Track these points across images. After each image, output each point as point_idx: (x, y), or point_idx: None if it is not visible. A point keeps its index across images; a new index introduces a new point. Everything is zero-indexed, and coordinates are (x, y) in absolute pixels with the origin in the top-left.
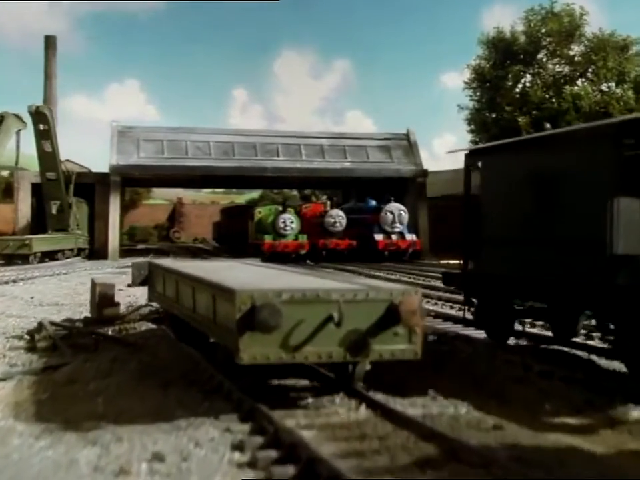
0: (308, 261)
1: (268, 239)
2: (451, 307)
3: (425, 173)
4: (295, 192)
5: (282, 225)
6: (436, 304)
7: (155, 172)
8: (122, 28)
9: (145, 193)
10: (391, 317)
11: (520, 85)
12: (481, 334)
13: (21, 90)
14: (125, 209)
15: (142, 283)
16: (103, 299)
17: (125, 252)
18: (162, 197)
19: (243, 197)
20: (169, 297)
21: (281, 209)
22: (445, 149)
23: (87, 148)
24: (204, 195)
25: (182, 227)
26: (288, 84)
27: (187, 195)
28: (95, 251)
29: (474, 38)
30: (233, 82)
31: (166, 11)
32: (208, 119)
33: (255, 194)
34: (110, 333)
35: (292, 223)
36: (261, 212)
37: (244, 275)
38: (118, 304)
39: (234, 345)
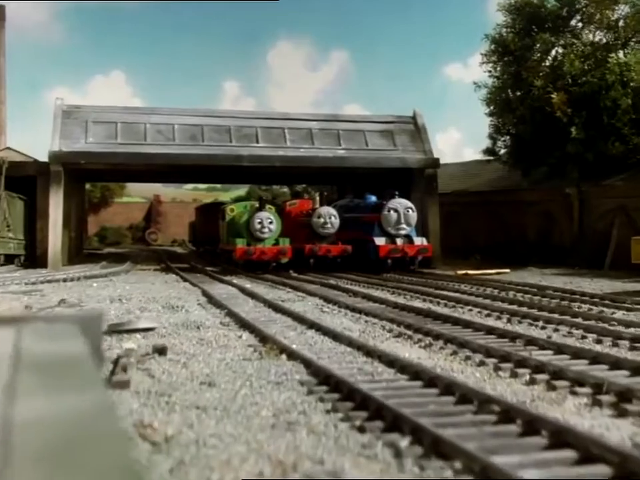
0: (291, 272)
1: (240, 243)
2: (530, 383)
3: (435, 163)
4: (285, 188)
5: (258, 226)
6: (482, 364)
7: (105, 160)
8: (107, 18)
9: (118, 190)
10: None
11: (550, 57)
12: None
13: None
14: (95, 207)
15: None
16: None
17: (85, 257)
18: (138, 194)
19: (228, 195)
20: None
21: (257, 205)
22: (449, 144)
23: None
24: (185, 191)
25: (159, 228)
26: (282, 76)
27: (166, 191)
28: (38, 258)
29: (479, 28)
30: (224, 74)
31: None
32: None
33: (242, 190)
34: None
35: (271, 223)
36: (233, 210)
37: None
38: None
39: None
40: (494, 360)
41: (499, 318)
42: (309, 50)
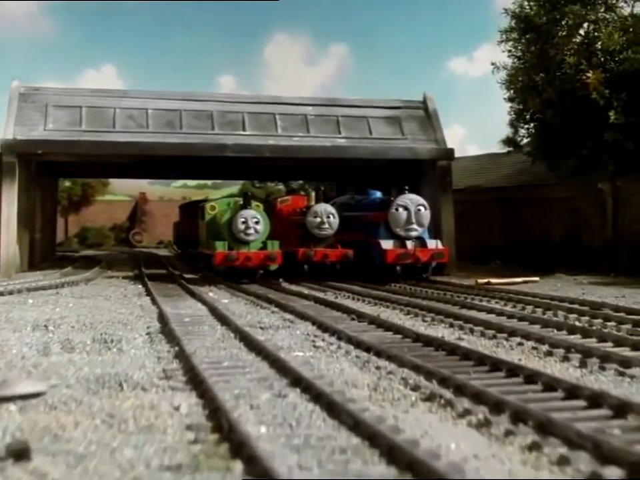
0: (281, 281)
1: (221, 247)
2: None
3: (449, 154)
4: (281, 185)
5: (242, 227)
6: None
7: (66, 150)
8: (99, 11)
9: (101, 187)
10: None
11: (583, 31)
12: None
13: None
14: (76, 206)
15: None
16: None
17: (54, 261)
18: (122, 191)
19: (220, 192)
20: None
21: (242, 202)
22: (453, 140)
23: None
24: (173, 189)
25: (144, 228)
26: (280, 71)
27: (153, 189)
28: None
29: (484, 20)
30: (220, 68)
31: None
32: None
33: (234, 188)
34: None
35: (257, 223)
36: (214, 207)
37: None
38: None
39: None
40: (618, 470)
41: (566, 359)
42: (307, 44)
